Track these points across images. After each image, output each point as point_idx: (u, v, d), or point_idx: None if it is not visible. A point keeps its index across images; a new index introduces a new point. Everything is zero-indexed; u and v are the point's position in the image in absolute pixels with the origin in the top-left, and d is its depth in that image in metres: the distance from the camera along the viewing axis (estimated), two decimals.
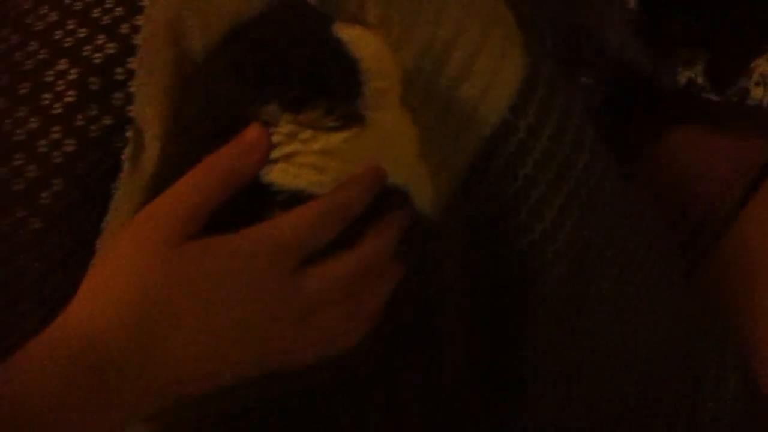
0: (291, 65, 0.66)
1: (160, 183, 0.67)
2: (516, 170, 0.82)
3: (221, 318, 0.46)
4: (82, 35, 0.70)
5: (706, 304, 1.00)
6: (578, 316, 0.85)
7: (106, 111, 0.68)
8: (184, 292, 0.45)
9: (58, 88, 0.68)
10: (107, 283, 0.46)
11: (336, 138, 0.65)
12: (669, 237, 0.99)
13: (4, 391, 0.43)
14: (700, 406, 0.93)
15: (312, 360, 0.51)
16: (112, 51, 0.70)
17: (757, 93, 1.10)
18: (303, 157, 0.64)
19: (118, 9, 0.71)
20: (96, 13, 0.71)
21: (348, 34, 0.69)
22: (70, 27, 0.70)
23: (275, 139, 0.64)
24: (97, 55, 0.69)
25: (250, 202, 0.59)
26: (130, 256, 0.46)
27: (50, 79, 0.68)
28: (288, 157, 0.64)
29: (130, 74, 0.70)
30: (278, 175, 0.63)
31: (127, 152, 0.68)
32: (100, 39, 0.70)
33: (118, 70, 0.70)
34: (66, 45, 0.69)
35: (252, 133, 0.50)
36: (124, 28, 0.70)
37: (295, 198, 0.61)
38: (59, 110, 0.67)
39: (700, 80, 1.12)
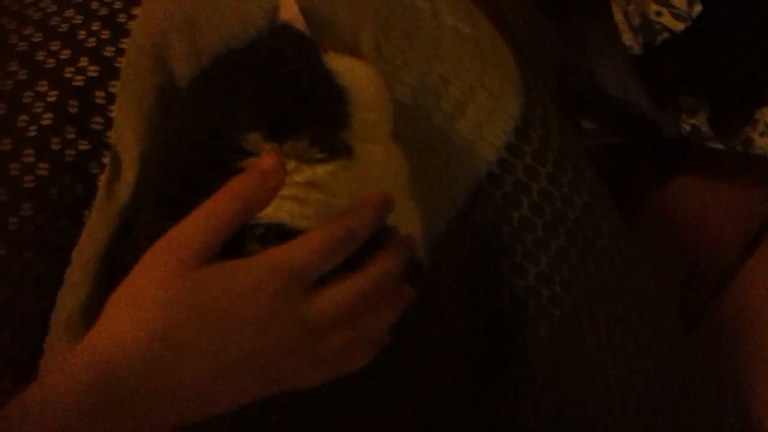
0: (277, 93, 0.63)
1: (135, 210, 0.64)
2: (512, 211, 0.79)
3: (233, 346, 0.47)
4: (64, 57, 0.67)
5: (704, 356, 0.96)
6: (572, 363, 0.81)
7: (84, 135, 0.65)
8: (198, 318, 0.46)
9: (35, 110, 0.65)
10: (127, 308, 0.47)
11: (321, 170, 0.62)
12: (666, 287, 0.95)
13: (25, 427, 0.44)
14: None
15: (318, 382, 0.52)
16: (94, 74, 0.66)
17: (762, 143, 1.07)
18: (285, 189, 0.61)
19: (104, 32, 0.68)
20: (81, 34, 0.68)
21: (339, 64, 0.66)
22: (54, 48, 0.67)
23: None
24: (78, 77, 0.66)
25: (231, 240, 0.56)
26: (151, 279, 0.47)
27: (28, 100, 0.65)
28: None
29: (111, 98, 0.66)
30: None
31: (103, 178, 0.65)
32: (83, 61, 0.67)
33: (99, 93, 0.66)
34: (47, 66, 0.66)
35: (268, 161, 0.50)
36: (108, 51, 0.67)
37: (273, 231, 0.58)
38: (34, 133, 0.64)
39: (704, 128, 1.09)
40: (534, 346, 0.79)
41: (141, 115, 0.66)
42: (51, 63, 0.67)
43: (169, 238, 0.48)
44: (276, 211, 0.58)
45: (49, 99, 0.65)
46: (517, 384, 0.80)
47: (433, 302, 0.73)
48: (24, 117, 0.64)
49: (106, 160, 0.65)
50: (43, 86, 0.65)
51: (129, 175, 0.64)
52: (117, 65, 0.67)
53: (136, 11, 0.69)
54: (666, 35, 1.04)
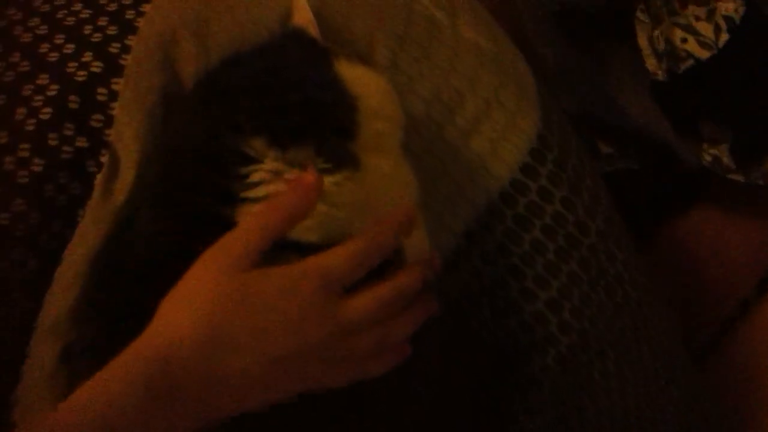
0: (284, 98, 0.59)
1: (133, 210, 0.61)
2: (523, 233, 0.75)
3: (274, 343, 0.51)
4: (68, 51, 0.64)
5: (715, 391, 0.92)
6: (579, 393, 0.77)
7: (83, 132, 0.63)
8: (245, 315, 0.50)
9: (35, 104, 0.62)
10: (180, 306, 0.50)
11: (325, 180, 0.58)
12: (679, 319, 0.91)
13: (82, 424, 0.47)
14: None
15: (344, 383, 0.55)
16: (97, 70, 0.64)
17: None
18: None
19: (111, 27, 0.66)
20: (87, 29, 0.66)
21: (350, 71, 0.63)
22: (58, 41, 0.65)
23: (258, 176, 0.58)
24: (81, 72, 0.64)
25: None
26: (205, 280, 0.50)
27: (27, 93, 0.62)
28: (271, 198, 0.57)
29: (113, 95, 0.64)
30: None
31: (99, 177, 0.62)
32: (87, 56, 0.65)
33: (101, 90, 0.64)
34: (50, 60, 0.64)
35: (309, 179, 0.53)
36: (114, 47, 0.65)
37: (276, 243, 0.55)
38: (31, 127, 0.61)
39: (725, 159, 1.05)
40: (540, 373, 0.76)
41: (143, 114, 0.63)
42: (54, 56, 0.64)
43: (222, 244, 0.51)
44: None
45: (49, 93, 0.63)
46: (523, 412, 0.77)
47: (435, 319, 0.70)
48: (22, 110, 0.62)
49: (104, 159, 0.63)
50: (44, 79, 0.63)
51: (127, 176, 0.62)
52: (122, 62, 0.65)
53: (145, 8, 0.67)
54: (691, 62, 1.01)
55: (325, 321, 0.52)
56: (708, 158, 1.06)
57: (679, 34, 1.02)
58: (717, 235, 1.06)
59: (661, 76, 1.04)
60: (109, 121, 0.63)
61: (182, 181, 0.59)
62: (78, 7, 0.67)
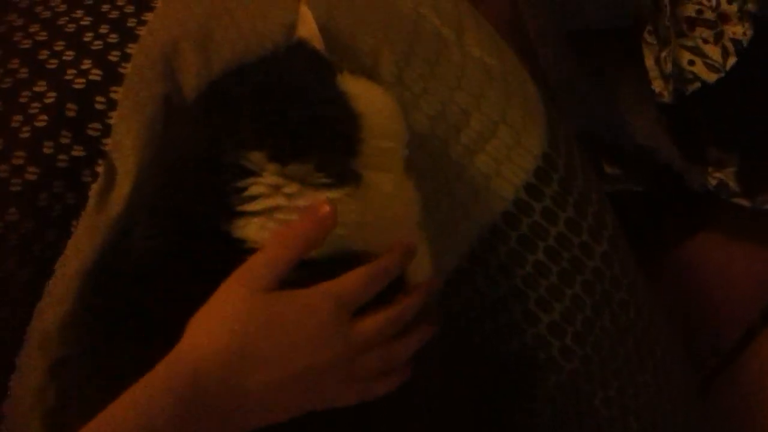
0: (285, 112, 0.58)
1: (129, 222, 0.59)
2: (527, 254, 0.73)
3: (292, 360, 0.53)
4: (67, 58, 0.62)
5: (719, 419, 0.90)
6: (579, 421, 0.75)
7: (79, 141, 0.61)
8: (267, 332, 0.53)
9: (31, 111, 0.60)
10: (214, 322, 0.53)
11: (325, 196, 0.57)
12: (684, 346, 0.88)
13: (122, 427, 0.50)
14: None
15: (353, 402, 0.57)
16: (96, 78, 0.62)
17: None
18: (285, 214, 0.56)
19: (112, 35, 0.64)
20: (88, 36, 0.64)
21: (354, 86, 0.61)
22: (58, 48, 0.63)
23: (257, 189, 0.56)
24: (79, 80, 0.62)
25: (227, 259, 0.55)
26: (234, 300, 0.53)
27: (24, 100, 0.60)
28: (269, 212, 0.56)
29: (112, 104, 0.62)
30: (254, 231, 0.56)
31: (95, 187, 0.60)
32: (86, 64, 0.63)
33: (100, 98, 0.62)
34: (49, 67, 0.62)
35: (324, 209, 0.55)
36: (114, 56, 0.63)
37: None
38: (27, 134, 0.60)
39: (731, 184, 1.03)
40: (540, 400, 0.73)
41: (142, 124, 0.61)
42: (53, 63, 0.62)
43: (248, 267, 0.53)
44: None
45: (46, 100, 0.61)
46: (524, 429, 0.75)
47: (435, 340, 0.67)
48: (18, 117, 0.60)
49: (101, 169, 0.60)
50: (41, 86, 0.61)
51: (123, 187, 0.60)
52: (121, 71, 0.63)
53: (148, 17, 0.65)
54: (698, 85, 0.99)
55: (340, 341, 0.55)
56: (713, 182, 1.04)
57: (686, 56, 1.00)
58: (723, 260, 1.04)
59: (667, 97, 1.02)
60: (106, 131, 0.61)
61: (180, 193, 0.57)
62: (79, 14, 0.65)
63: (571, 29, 1.08)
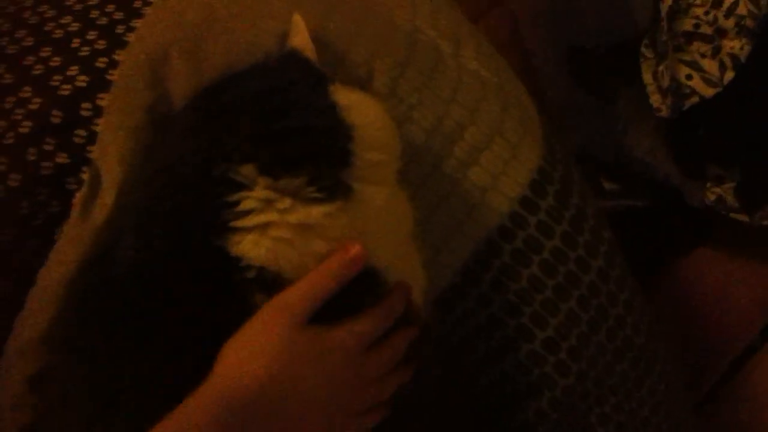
0: (276, 124, 0.56)
1: (113, 234, 0.56)
2: (521, 269, 0.71)
3: (322, 390, 0.55)
4: (54, 64, 0.61)
5: None
6: None
7: (64, 148, 0.59)
8: (303, 365, 0.54)
9: (15, 117, 0.59)
10: (247, 356, 0.54)
11: (317, 211, 0.55)
12: (681, 362, 0.86)
13: None
14: None
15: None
16: (82, 84, 0.60)
17: None
18: (278, 230, 0.54)
19: (100, 42, 0.62)
20: (75, 42, 0.62)
21: (346, 98, 0.59)
22: (44, 54, 0.61)
23: (249, 204, 0.54)
24: (65, 86, 0.60)
25: (219, 274, 0.54)
26: (273, 333, 0.54)
27: (9, 106, 0.59)
28: (262, 228, 0.54)
29: (98, 111, 0.60)
30: (249, 248, 0.54)
31: (79, 195, 0.58)
32: (73, 70, 0.61)
33: (85, 105, 0.60)
34: (35, 72, 0.60)
35: (353, 251, 0.56)
36: (101, 62, 0.61)
37: (264, 276, 0.54)
38: (10, 140, 0.58)
39: (729, 199, 1.02)
40: (534, 417, 0.71)
41: (129, 131, 0.60)
42: (39, 69, 0.61)
43: (282, 302, 0.55)
44: (268, 254, 0.54)
45: (31, 106, 0.59)
46: None
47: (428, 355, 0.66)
48: (2, 123, 0.58)
49: (85, 177, 0.58)
50: (26, 92, 0.60)
51: (108, 196, 0.58)
52: (109, 77, 0.61)
53: (137, 24, 0.63)
54: (695, 99, 0.98)
55: (357, 375, 0.57)
56: (712, 197, 1.03)
57: (684, 70, 0.98)
58: (722, 277, 1.02)
59: (664, 112, 1.01)
60: (92, 138, 0.59)
61: (171, 204, 0.55)
62: (67, 20, 0.63)
63: (570, 45, 1.07)
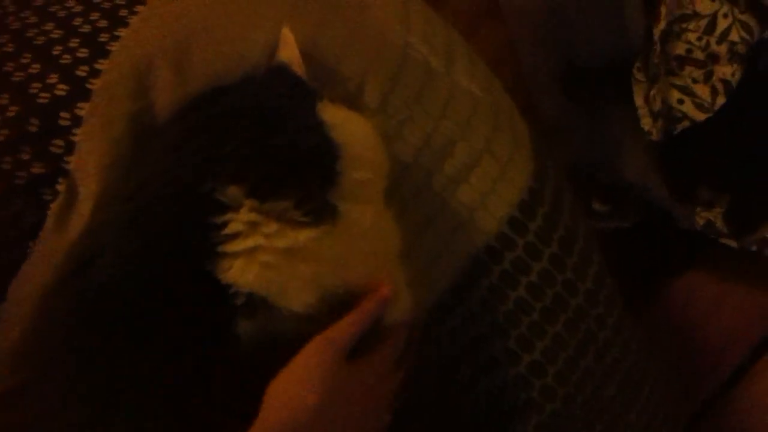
0: (265, 143, 0.54)
1: (90, 250, 0.54)
2: (509, 290, 0.69)
3: (357, 420, 0.59)
4: (33, 71, 0.58)
5: None
6: None
7: (41, 157, 0.56)
8: (345, 399, 0.58)
9: None
10: (298, 391, 0.56)
11: (304, 235, 0.53)
12: (669, 388, 0.84)
13: None
14: None
15: None
16: (62, 92, 0.58)
17: None
18: (266, 255, 0.53)
19: (82, 50, 0.60)
20: (57, 50, 0.60)
21: (334, 115, 0.57)
22: (24, 61, 0.59)
23: (235, 227, 0.52)
24: (44, 94, 0.58)
25: (209, 302, 0.53)
26: (323, 368, 0.57)
27: None
28: (249, 252, 0.52)
29: (77, 121, 0.58)
30: (237, 275, 0.52)
31: (54, 207, 0.55)
32: (53, 78, 0.59)
33: (64, 114, 0.58)
34: (14, 79, 0.58)
35: (385, 291, 0.59)
36: (82, 71, 0.59)
37: (253, 302, 0.52)
38: None
39: (718, 224, 1.00)
40: None
41: (108, 142, 0.57)
42: (18, 76, 0.58)
43: (327, 339, 0.57)
44: (258, 279, 0.53)
45: (8, 114, 0.57)
46: None
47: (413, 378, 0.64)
48: None
49: (62, 188, 0.56)
50: (4, 99, 0.57)
51: (84, 209, 0.56)
52: (89, 86, 0.59)
53: (121, 32, 0.61)
54: (686, 123, 0.96)
55: (376, 402, 0.61)
56: (701, 222, 1.01)
57: (675, 95, 0.97)
58: (713, 298, 1.01)
59: (655, 135, 0.99)
60: (70, 148, 0.57)
61: (154, 223, 0.53)
62: (50, 26, 0.61)
63: (563, 66, 1.06)
